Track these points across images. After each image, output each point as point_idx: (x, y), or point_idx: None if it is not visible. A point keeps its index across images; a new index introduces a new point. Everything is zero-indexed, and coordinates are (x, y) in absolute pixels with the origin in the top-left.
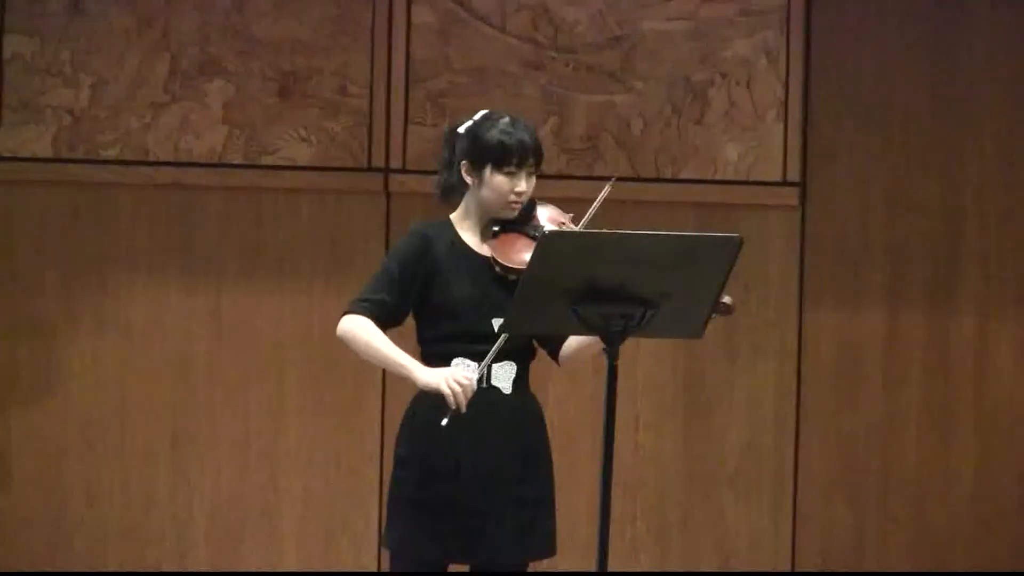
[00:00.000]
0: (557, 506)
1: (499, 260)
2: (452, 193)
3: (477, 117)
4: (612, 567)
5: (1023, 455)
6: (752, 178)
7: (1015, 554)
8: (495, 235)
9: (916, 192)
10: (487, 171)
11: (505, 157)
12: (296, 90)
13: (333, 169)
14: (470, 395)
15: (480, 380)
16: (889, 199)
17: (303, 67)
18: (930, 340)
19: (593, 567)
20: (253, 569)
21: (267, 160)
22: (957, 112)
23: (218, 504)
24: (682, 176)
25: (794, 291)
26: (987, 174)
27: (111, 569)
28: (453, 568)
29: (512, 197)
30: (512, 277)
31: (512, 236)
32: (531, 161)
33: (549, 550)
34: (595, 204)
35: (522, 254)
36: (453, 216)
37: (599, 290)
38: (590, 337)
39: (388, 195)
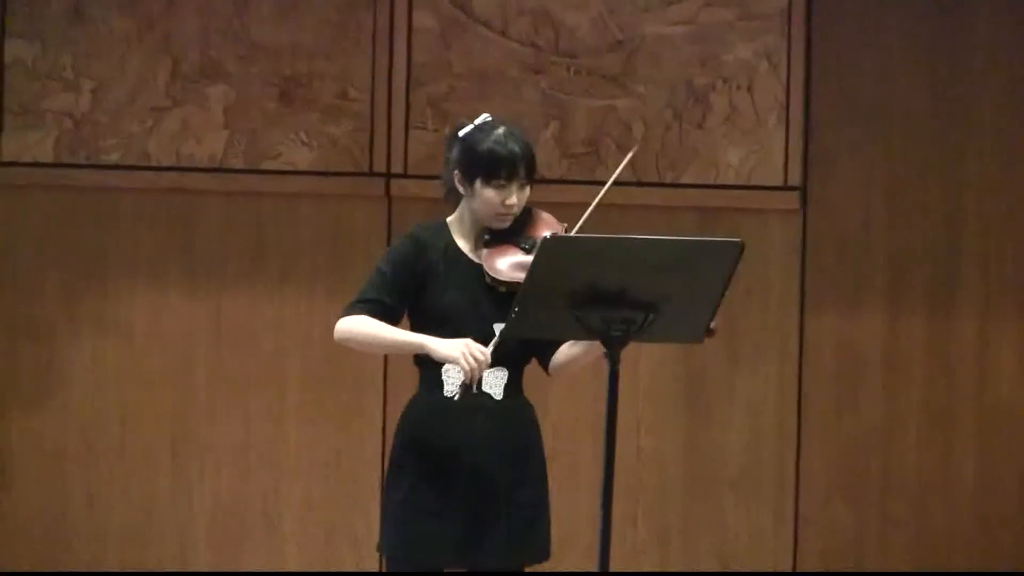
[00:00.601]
0: (558, 509)
1: (488, 272)
2: (453, 195)
3: (476, 122)
4: (613, 570)
5: (1023, 457)
6: (753, 182)
7: (1016, 556)
8: (487, 244)
9: (917, 195)
10: (477, 183)
11: (494, 171)
12: (297, 95)
13: (334, 174)
14: (484, 370)
15: (471, 386)
16: (890, 203)
17: (304, 71)
18: (931, 343)
19: (595, 569)
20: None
21: (268, 165)
22: (958, 116)
23: (219, 507)
24: (683, 180)
25: (795, 295)
26: (988, 177)
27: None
28: (449, 570)
29: (501, 210)
30: (502, 289)
31: (504, 247)
32: (522, 174)
33: (544, 554)
34: (598, 197)
35: (511, 267)
36: (450, 220)
37: (600, 295)
38: (582, 349)
39: (389, 199)
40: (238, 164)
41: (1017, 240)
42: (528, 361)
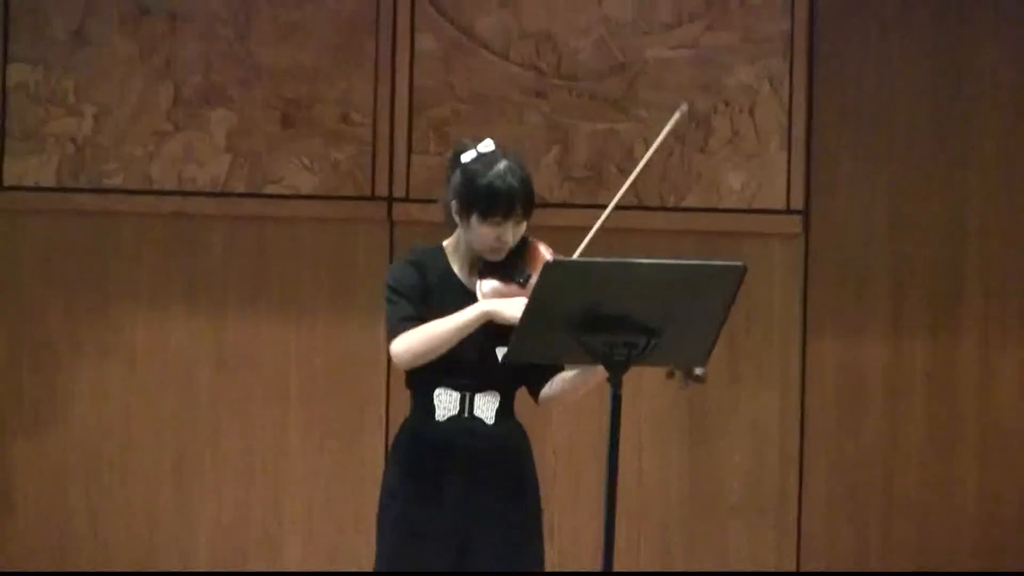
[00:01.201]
0: (561, 532)
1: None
2: (452, 219)
3: (480, 149)
4: None
5: None
6: (755, 206)
7: None
8: (481, 273)
9: (919, 219)
10: (473, 218)
11: (492, 208)
12: (299, 118)
13: (336, 198)
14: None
15: (462, 411)
16: (892, 226)
17: (306, 95)
18: (933, 366)
19: None
20: None
21: (270, 189)
22: (960, 140)
23: (220, 529)
24: (685, 204)
25: (797, 318)
26: (990, 201)
27: None
28: None
29: (496, 244)
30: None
31: (499, 279)
32: (519, 211)
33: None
34: (604, 216)
35: (504, 297)
36: (446, 244)
37: (602, 319)
38: (575, 382)
39: (391, 223)
40: (240, 188)
41: (1019, 263)
42: (519, 386)
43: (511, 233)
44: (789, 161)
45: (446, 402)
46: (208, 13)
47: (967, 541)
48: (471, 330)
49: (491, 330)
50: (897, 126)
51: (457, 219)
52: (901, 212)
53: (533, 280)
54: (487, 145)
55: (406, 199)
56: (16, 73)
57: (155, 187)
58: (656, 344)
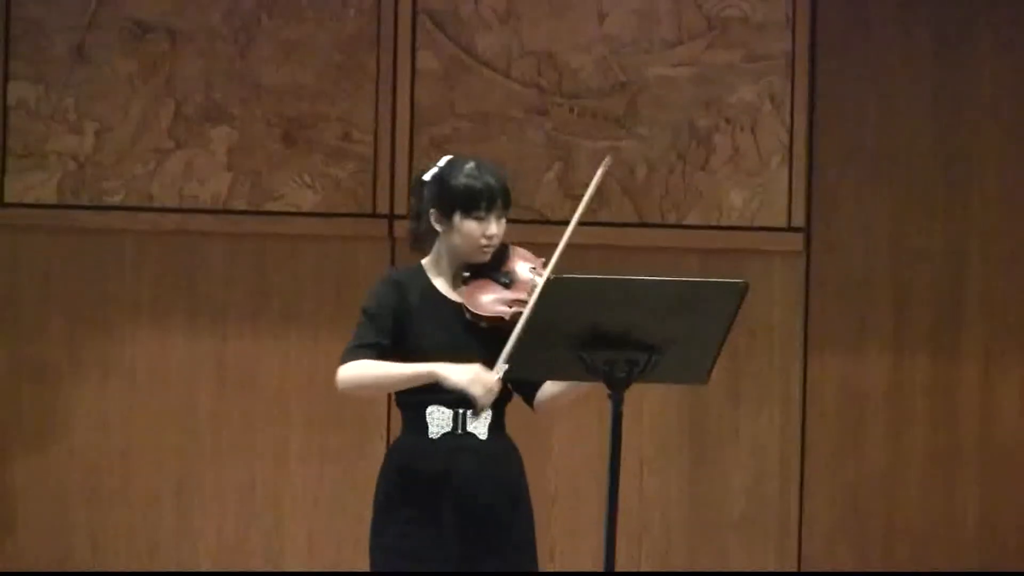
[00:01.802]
0: (562, 550)
1: (469, 308)
2: (423, 242)
3: (442, 163)
4: None
5: None
6: (757, 223)
7: None
8: (465, 281)
9: (920, 237)
10: (456, 217)
11: (473, 202)
12: (300, 136)
13: (338, 215)
14: (494, 398)
15: (455, 428)
16: (893, 244)
17: (307, 113)
18: (935, 385)
19: None
20: None
21: (272, 206)
22: (961, 156)
23: (223, 550)
24: (687, 222)
25: (798, 336)
26: (991, 218)
27: None
28: None
29: (483, 242)
30: (483, 324)
31: (482, 283)
32: (499, 204)
33: None
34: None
35: (492, 302)
36: (425, 262)
37: (603, 336)
38: (568, 384)
39: (392, 240)
40: (241, 206)
41: (1020, 281)
42: (510, 400)
43: (495, 227)
44: (790, 179)
45: (439, 419)
46: (209, 31)
47: (968, 563)
48: (415, 384)
49: (479, 342)
50: (898, 145)
51: (439, 227)
52: (902, 231)
53: (516, 280)
54: (447, 158)
55: (407, 216)
56: (17, 90)
57: (156, 204)
58: (657, 361)
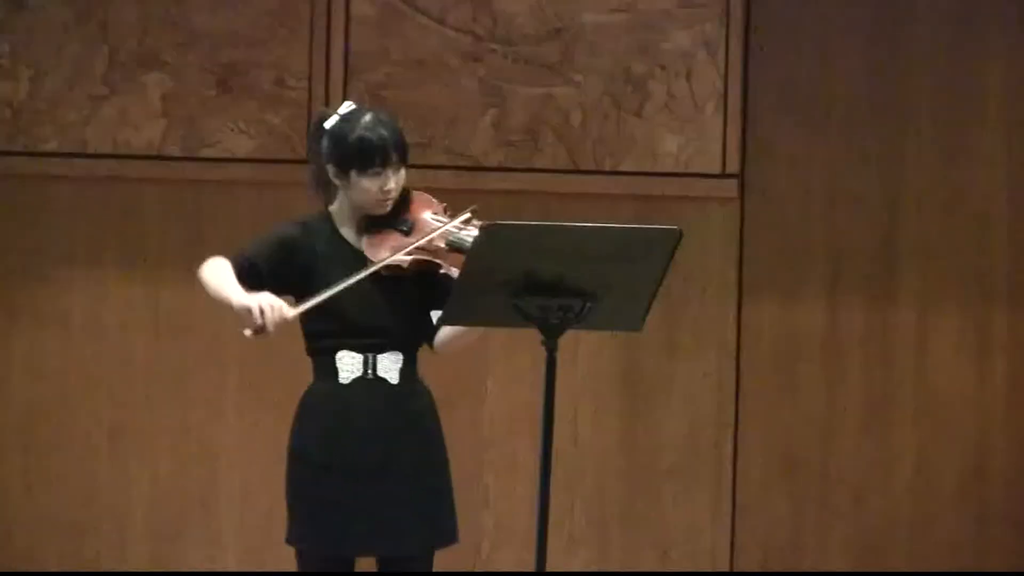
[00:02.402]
0: (497, 498)
1: (370, 259)
2: (325, 187)
3: (341, 111)
4: (551, 560)
5: (962, 449)
6: (691, 170)
7: (954, 548)
8: (367, 230)
9: (855, 184)
10: (353, 174)
11: (368, 160)
12: (235, 83)
13: (273, 161)
14: (278, 319)
15: (366, 372)
16: (828, 191)
17: (242, 60)
18: (869, 333)
19: (532, 559)
20: (193, 562)
21: (206, 152)
22: (897, 104)
23: (157, 497)
24: (621, 168)
25: (733, 284)
26: (926, 166)
27: (51, 561)
28: (360, 561)
29: (381, 196)
30: (384, 273)
31: (384, 232)
32: (395, 159)
33: (452, 536)
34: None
35: (392, 250)
36: (332, 209)
37: (538, 282)
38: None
39: None
40: (176, 152)
41: (955, 229)
42: (421, 344)
43: (392, 181)
44: (725, 126)
45: (349, 364)
46: None
47: (903, 510)
48: (221, 302)
49: (382, 291)
50: (834, 92)
51: (337, 182)
52: (837, 177)
53: (417, 225)
54: (347, 106)
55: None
56: None
57: (90, 151)
58: (591, 308)
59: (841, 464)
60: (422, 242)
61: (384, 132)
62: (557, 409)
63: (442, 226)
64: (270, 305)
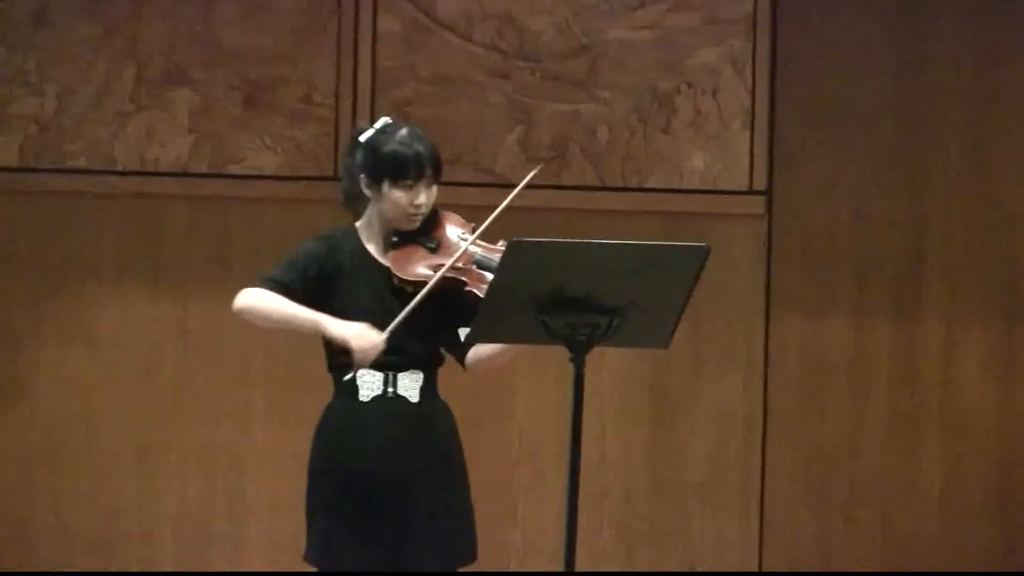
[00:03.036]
0: (525, 514)
1: (395, 273)
2: (356, 201)
3: (377, 126)
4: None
5: (988, 463)
6: (718, 187)
7: (980, 562)
8: (394, 246)
9: (882, 201)
10: (385, 185)
11: (402, 171)
12: (262, 99)
13: (299, 178)
14: (375, 355)
15: (386, 391)
16: (855, 208)
17: (269, 76)
18: (896, 349)
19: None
20: None
21: (233, 169)
22: (923, 121)
23: (184, 513)
24: (648, 185)
25: (760, 300)
26: (952, 182)
27: None
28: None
29: (411, 210)
30: (409, 289)
31: (410, 248)
32: (429, 173)
33: (471, 555)
34: (499, 208)
35: (417, 267)
36: (358, 224)
37: (565, 299)
38: (500, 345)
39: None
40: (203, 168)
41: (981, 245)
42: (442, 364)
43: (424, 195)
44: (752, 142)
45: (369, 383)
46: None
47: (930, 526)
48: (298, 328)
49: (404, 306)
50: (860, 109)
51: (368, 193)
52: (864, 193)
53: (443, 245)
54: (384, 120)
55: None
56: None
57: (118, 167)
58: (619, 325)
59: (868, 481)
60: (458, 261)
61: (420, 147)
62: (584, 426)
63: (472, 244)
64: (367, 337)
